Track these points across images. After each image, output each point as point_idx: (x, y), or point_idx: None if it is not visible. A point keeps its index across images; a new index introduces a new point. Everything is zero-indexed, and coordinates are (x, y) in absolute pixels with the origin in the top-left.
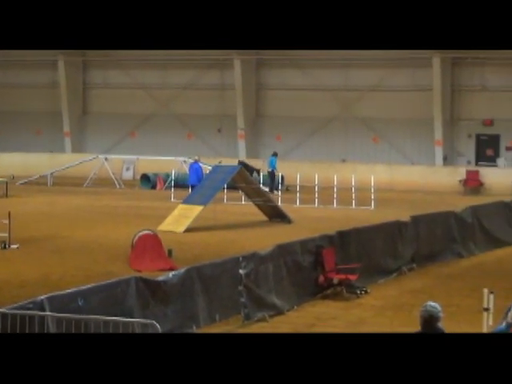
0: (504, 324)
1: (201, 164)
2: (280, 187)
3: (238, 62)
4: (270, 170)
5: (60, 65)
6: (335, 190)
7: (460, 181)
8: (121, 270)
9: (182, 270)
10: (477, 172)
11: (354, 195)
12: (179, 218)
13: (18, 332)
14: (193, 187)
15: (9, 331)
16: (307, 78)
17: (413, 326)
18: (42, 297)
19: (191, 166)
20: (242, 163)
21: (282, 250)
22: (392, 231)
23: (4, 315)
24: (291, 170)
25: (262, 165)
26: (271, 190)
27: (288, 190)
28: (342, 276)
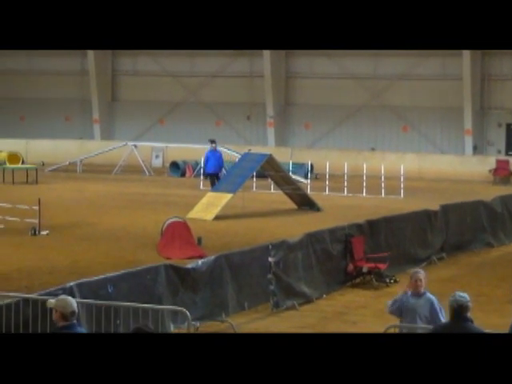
0: None
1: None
2: (309, 175)
3: (267, 50)
4: None
5: (89, 52)
6: (364, 178)
7: (490, 170)
8: (149, 257)
9: (212, 258)
10: (507, 161)
11: (383, 184)
12: (208, 205)
13: (48, 318)
14: (212, 175)
15: (39, 317)
16: (336, 66)
17: None
18: (72, 283)
19: (212, 153)
20: None
21: (312, 239)
22: (421, 220)
23: (34, 301)
24: (320, 159)
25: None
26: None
27: (317, 178)
28: (372, 265)
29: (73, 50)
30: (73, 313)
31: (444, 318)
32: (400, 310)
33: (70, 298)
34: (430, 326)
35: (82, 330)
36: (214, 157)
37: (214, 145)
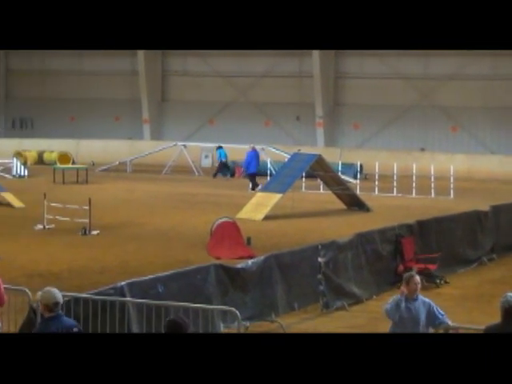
0: None
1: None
2: (359, 176)
3: (316, 50)
4: (222, 160)
5: (139, 52)
6: (414, 178)
7: None
8: (199, 257)
9: (261, 258)
10: None
11: (432, 184)
12: (257, 205)
13: (99, 317)
14: (253, 175)
15: (90, 316)
16: (386, 66)
17: (492, 317)
18: (123, 283)
19: (254, 154)
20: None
21: (361, 239)
22: (472, 221)
23: (86, 300)
24: (369, 159)
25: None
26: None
27: (366, 178)
28: (422, 265)
29: (123, 51)
30: (56, 304)
31: (443, 315)
32: (399, 314)
33: (54, 289)
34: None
35: (70, 321)
36: (256, 157)
37: (252, 145)
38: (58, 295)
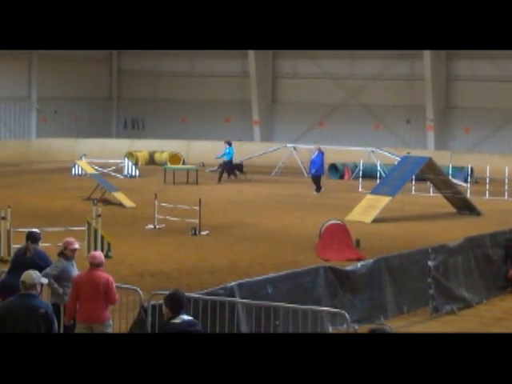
0: None
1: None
2: (469, 179)
3: (427, 52)
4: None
5: (250, 54)
6: None
7: None
8: (308, 259)
9: (371, 261)
10: None
11: None
12: (367, 208)
13: (209, 317)
14: (318, 178)
15: (200, 316)
16: (498, 68)
17: None
18: (233, 283)
19: (322, 155)
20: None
21: (472, 243)
22: None
23: (196, 300)
24: (480, 163)
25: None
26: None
27: (477, 182)
28: None
29: (234, 53)
30: (31, 285)
31: None
32: None
33: (34, 272)
34: None
35: (41, 302)
36: (323, 159)
37: (318, 145)
38: (36, 277)
